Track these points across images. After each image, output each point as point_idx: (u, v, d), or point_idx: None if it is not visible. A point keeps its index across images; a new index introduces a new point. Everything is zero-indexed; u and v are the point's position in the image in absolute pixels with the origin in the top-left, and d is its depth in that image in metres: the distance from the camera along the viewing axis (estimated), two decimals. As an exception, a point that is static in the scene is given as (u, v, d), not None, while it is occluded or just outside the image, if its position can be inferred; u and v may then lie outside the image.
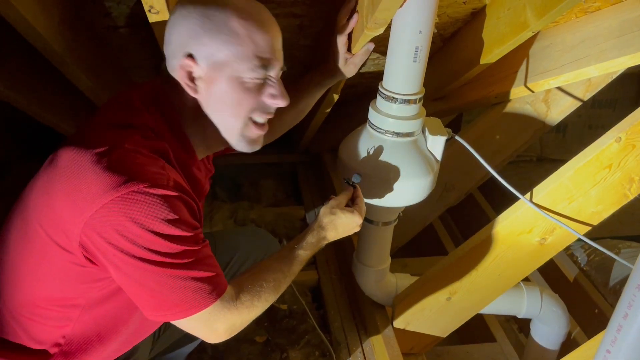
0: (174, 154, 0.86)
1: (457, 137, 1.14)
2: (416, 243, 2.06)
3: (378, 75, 1.11)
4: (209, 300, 0.81)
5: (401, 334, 1.38)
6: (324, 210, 1.01)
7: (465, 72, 1.41)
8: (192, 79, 0.86)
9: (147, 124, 0.85)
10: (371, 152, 1.10)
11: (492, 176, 1.11)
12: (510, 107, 1.59)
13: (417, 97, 1.05)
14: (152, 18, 0.94)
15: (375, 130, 1.10)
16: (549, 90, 1.52)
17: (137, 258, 0.76)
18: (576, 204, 1.06)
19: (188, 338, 1.27)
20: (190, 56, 0.84)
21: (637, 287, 0.81)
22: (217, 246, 1.21)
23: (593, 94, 1.49)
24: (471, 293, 1.27)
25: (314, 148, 2.27)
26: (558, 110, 1.56)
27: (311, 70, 1.20)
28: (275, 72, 0.90)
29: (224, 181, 2.21)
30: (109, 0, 1.15)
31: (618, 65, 1.23)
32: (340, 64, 1.12)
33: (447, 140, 1.12)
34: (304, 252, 0.96)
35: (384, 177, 1.09)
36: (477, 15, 1.31)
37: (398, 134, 1.08)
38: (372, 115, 1.11)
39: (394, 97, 1.05)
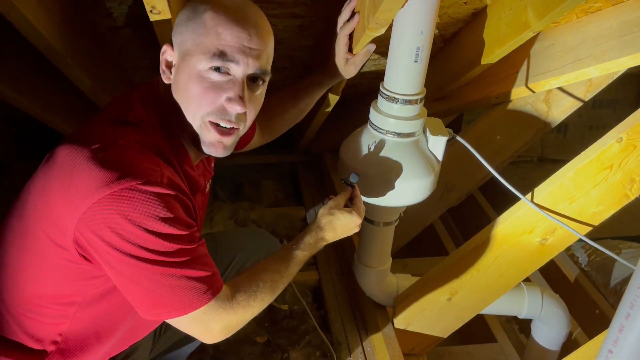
0: (168, 150, 0.86)
1: (458, 138, 1.14)
2: (417, 243, 2.06)
3: (379, 76, 1.10)
4: (204, 300, 0.81)
5: (402, 334, 1.37)
6: (322, 211, 1.00)
7: (466, 73, 1.41)
8: (168, 65, 0.88)
9: (143, 121, 0.85)
10: (372, 153, 1.10)
11: (493, 176, 1.11)
12: (511, 108, 1.58)
13: (418, 97, 1.05)
14: (153, 18, 0.94)
15: (376, 130, 1.10)
16: (549, 91, 1.52)
17: (130, 256, 0.76)
18: (577, 204, 1.05)
19: (189, 338, 1.26)
20: (171, 44, 0.87)
21: (639, 287, 0.81)
22: (219, 247, 1.21)
23: (594, 94, 1.49)
24: (472, 293, 1.27)
25: (315, 148, 2.27)
26: (559, 111, 1.56)
27: (312, 70, 1.20)
28: (240, 72, 0.84)
29: (224, 182, 2.21)
30: (110, 0, 1.15)
31: (619, 65, 1.23)
32: (341, 64, 1.12)
33: (448, 141, 1.12)
34: (302, 253, 0.96)
35: (385, 177, 1.08)
36: (478, 16, 1.31)
37: (399, 135, 1.08)
38: (373, 115, 1.11)
39: (395, 98, 1.05)
